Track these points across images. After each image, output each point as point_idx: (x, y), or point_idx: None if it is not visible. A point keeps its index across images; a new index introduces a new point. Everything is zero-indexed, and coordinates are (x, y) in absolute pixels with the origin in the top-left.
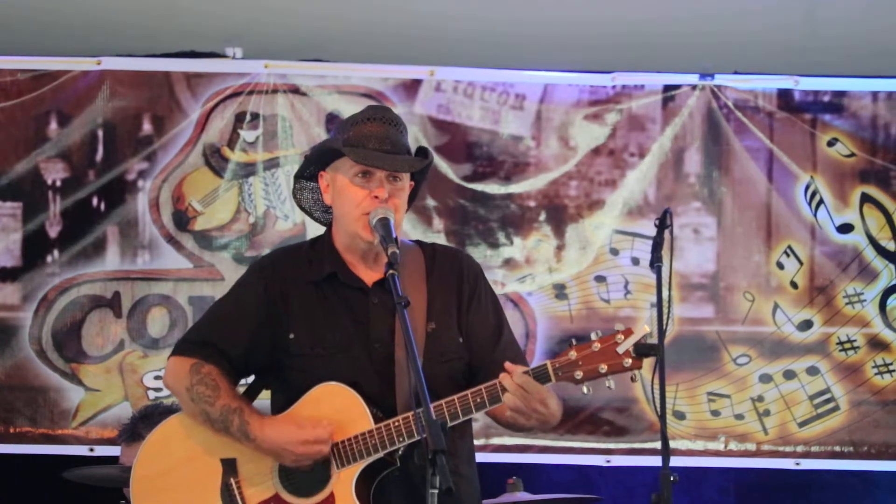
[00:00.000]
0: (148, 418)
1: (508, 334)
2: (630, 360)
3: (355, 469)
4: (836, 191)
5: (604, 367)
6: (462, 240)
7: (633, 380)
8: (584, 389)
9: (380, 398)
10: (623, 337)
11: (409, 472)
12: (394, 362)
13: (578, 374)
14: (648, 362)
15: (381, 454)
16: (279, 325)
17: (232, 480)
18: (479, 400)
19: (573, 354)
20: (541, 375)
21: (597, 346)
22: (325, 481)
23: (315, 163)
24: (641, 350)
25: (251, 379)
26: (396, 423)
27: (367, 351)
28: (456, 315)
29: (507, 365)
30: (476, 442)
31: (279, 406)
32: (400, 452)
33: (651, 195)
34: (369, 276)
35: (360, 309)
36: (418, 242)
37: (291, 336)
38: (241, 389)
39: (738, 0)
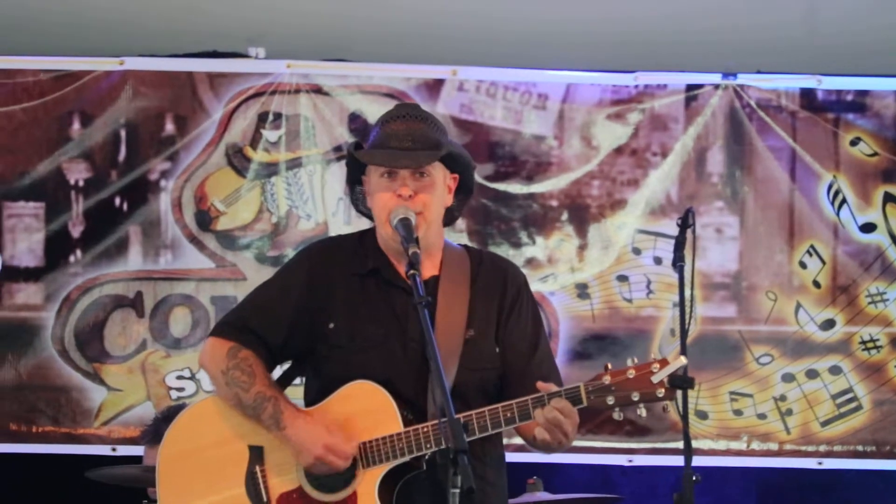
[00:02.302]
0: (171, 419)
1: (545, 348)
2: (663, 391)
3: (380, 471)
4: (858, 190)
5: (636, 395)
6: (484, 239)
7: (664, 410)
8: (615, 415)
9: (412, 399)
10: (658, 367)
11: (434, 476)
12: (428, 364)
13: (610, 400)
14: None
15: (406, 458)
16: (320, 313)
17: (257, 468)
18: (509, 415)
19: (607, 379)
20: (573, 397)
21: (631, 373)
22: (349, 480)
23: (355, 169)
24: (676, 382)
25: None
26: (425, 429)
27: (404, 348)
28: (495, 325)
29: (539, 385)
30: None
31: (312, 394)
32: (426, 457)
33: (673, 195)
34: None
35: (399, 307)
36: (467, 248)
37: (331, 326)
38: (277, 374)
39: (761, 0)
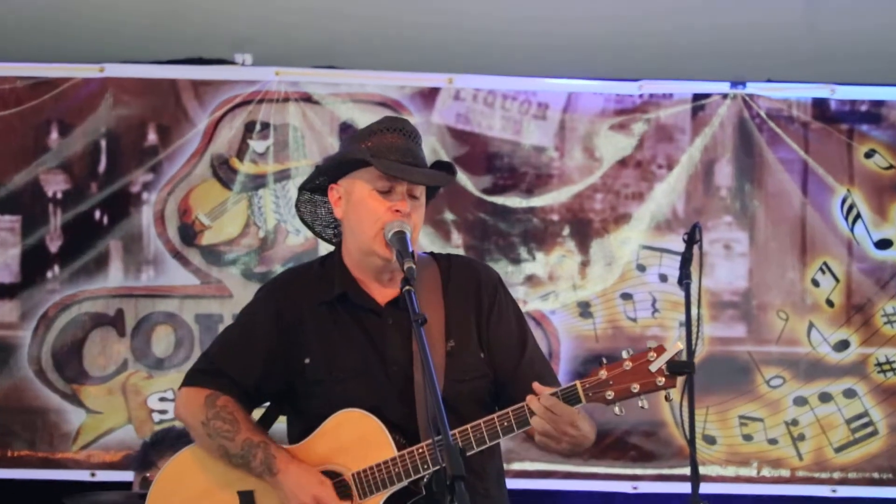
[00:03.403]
0: (159, 445)
1: (533, 345)
2: (663, 379)
3: (378, 499)
4: (874, 205)
5: (636, 387)
6: (482, 255)
7: (667, 399)
8: (616, 410)
9: (401, 423)
10: (655, 355)
11: (434, 500)
12: (413, 385)
13: (609, 395)
14: (677, 382)
15: (405, 483)
16: (293, 350)
17: None
18: (506, 424)
19: (603, 374)
20: (570, 397)
21: (628, 364)
22: None
23: (328, 173)
24: (675, 368)
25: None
26: (420, 451)
27: (386, 374)
28: (476, 330)
29: (535, 386)
30: None
31: (296, 434)
32: (425, 480)
33: (680, 209)
34: (382, 294)
35: (374, 331)
36: (432, 254)
37: (307, 361)
38: (256, 416)
39: (770, 5)
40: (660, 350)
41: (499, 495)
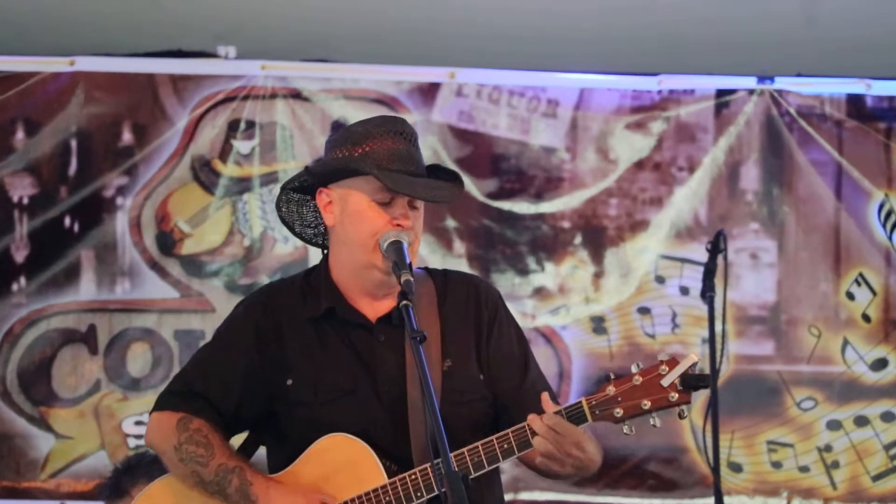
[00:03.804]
0: (132, 471)
1: (535, 367)
2: (676, 394)
3: None
4: None
5: (647, 403)
6: (487, 265)
7: (681, 416)
8: (626, 429)
9: (393, 448)
10: (667, 368)
11: None
12: (406, 405)
13: (618, 412)
14: (700, 404)
15: None
16: (275, 371)
17: None
18: (506, 446)
19: (611, 390)
20: (576, 415)
21: (638, 379)
22: None
23: (319, 176)
24: (689, 382)
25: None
26: (413, 477)
27: (376, 395)
28: (475, 349)
29: (544, 399)
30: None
31: (278, 464)
32: None
33: (702, 215)
34: (373, 309)
35: (363, 348)
36: (427, 270)
37: (289, 382)
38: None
39: None
40: (672, 363)
41: None
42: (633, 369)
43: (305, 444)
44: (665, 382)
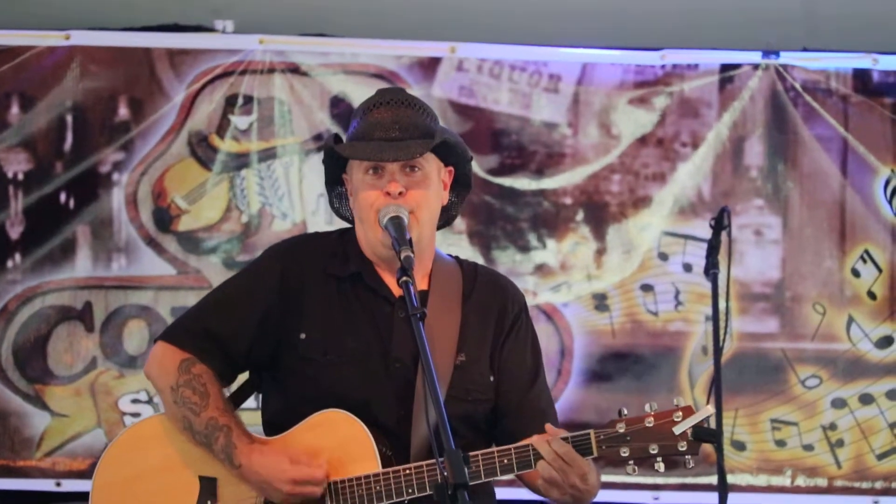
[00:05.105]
0: None
1: (543, 381)
2: (686, 445)
3: None
4: None
5: (654, 448)
6: (487, 242)
7: (685, 466)
8: (629, 469)
9: (392, 427)
10: (682, 416)
11: None
12: (413, 389)
13: (625, 452)
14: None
15: None
16: (291, 320)
17: None
18: (505, 462)
19: (622, 428)
20: (581, 446)
21: (650, 421)
22: None
23: (332, 167)
24: (701, 435)
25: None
26: (407, 472)
27: (385, 369)
28: (490, 350)
29: (548, 428)
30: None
31: (272, 413)
32: (405, 503)
33: (706, 191)
34: (397, 287)
35: (382, 320)
36: (458, 259)
37: (302, 336)
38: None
39: None
40: (687, 411)
41: None
42: (647, 409)
43: (303, 401)
44: (677, 430)
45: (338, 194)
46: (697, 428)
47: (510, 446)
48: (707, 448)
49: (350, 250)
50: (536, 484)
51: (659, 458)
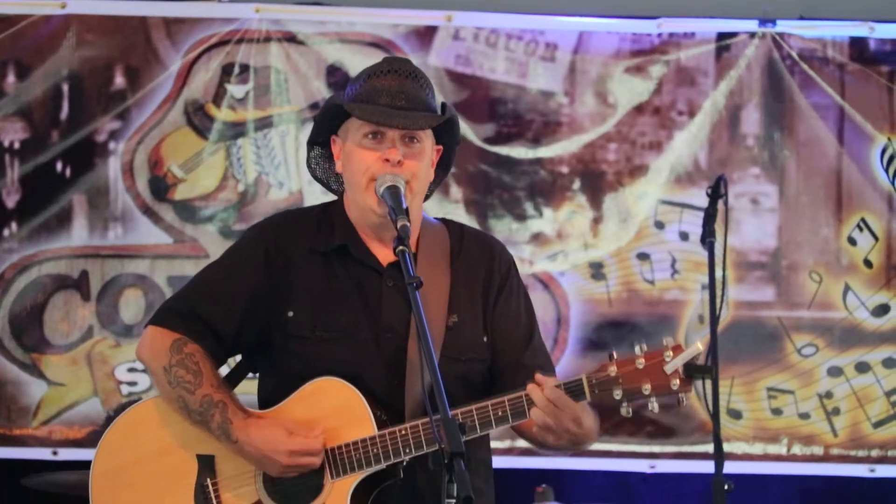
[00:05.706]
0: None
1: (539, 338)
2: (678, 382)
3: (351, 481)
4: None
5: (647, 388)
6: (484, 211)
7: (679, 403)
8: (624, 411)
9: (386, 397)
10: (672, 354)
11: (413, 484)
12: (406, 357)
13: (618, 393)
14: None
15: (382, 465)
16: (278, 299)
17: (208, 481)
18: (500, 413)
19: (613, 370)
20: (575, 391)
21: (641, 362)
22: (315, 491)
23: (324, 126)
24: (692, 371)
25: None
26: (403, 432)
27: (376, 339)
28: (482, 310)
29: (538, 377)
30: (500, 444)
31: (267, 393)
32: (404, 464)
33: (702, 160)
34: (385, 254)
35: (371, 291)
36: (444, 221)
37: (290, 314)
38: (225, 371)
39: None
40: (677, 349)
41: (485, 489)
42: (637, 350)
43: (296, 379)
44: (668, 369)
45: (316, 155)
46: (689, 365)
47: (503, 397)
48: (703, 417)
49: (335, 222)
50: (533, 433)
51: (652, 398)
